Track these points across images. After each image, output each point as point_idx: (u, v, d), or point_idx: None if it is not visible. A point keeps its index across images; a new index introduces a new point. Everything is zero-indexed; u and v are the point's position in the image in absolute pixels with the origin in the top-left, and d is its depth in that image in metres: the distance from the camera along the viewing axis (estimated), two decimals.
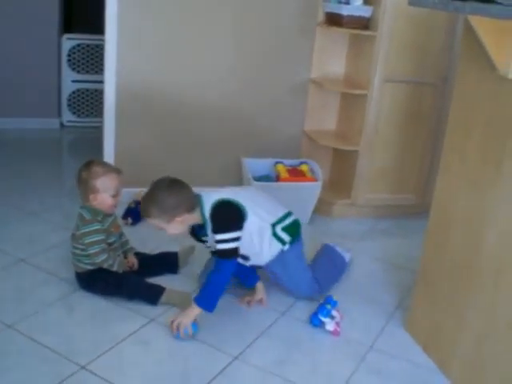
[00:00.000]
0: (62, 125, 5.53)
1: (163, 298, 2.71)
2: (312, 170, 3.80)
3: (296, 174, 3.72)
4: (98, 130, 4.95)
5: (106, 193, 2.73)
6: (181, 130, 3.83)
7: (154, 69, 3.69)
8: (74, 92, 5.50)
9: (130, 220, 3.51)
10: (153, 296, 2.72)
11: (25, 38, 5.17)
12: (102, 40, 5.13)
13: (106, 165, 2.86)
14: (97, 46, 5.40)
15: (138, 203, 3.56)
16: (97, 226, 2.73)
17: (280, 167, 3.75)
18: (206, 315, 2.57)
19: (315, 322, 2.67)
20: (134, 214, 3.53)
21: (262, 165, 3.84)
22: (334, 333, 2.63)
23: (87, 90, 5.53)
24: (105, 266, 2.73)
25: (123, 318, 2.64)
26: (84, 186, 2.76)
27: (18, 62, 5.21)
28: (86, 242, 2.71)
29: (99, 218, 2.76)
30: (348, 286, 3.10)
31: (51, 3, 5.18)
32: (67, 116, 5.53)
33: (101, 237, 2.73)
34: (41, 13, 5.15)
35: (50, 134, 5.33)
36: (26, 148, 4.91)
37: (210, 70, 3.77)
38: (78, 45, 5.40)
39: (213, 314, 2.57)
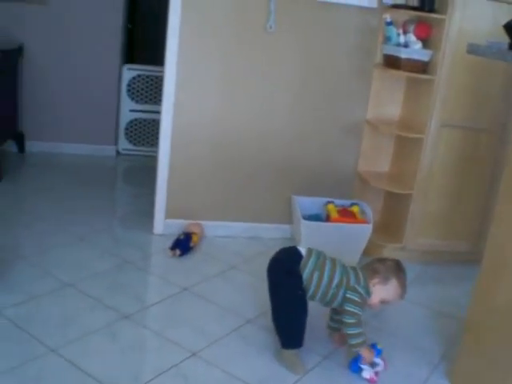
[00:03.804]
0: (117, 152, 5.63)
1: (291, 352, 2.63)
2: (363, 212, 3.76)
3: (346, 214, 3.69)
4: (153, 159, 5.04)
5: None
6: (233, 165, 3.84)
7: (211, 103, 3.73)
8: (131, 121, 5.60)
9: (177, 251, 3.51)
10: (288, 342, 2.64)
11: (88, 67, 5.32)
12: (161, 71, 5.28)
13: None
14: (156, 77, 5.50)
15: (187, 235, 3.60)
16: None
17: (330, 207, 3.73)
18: (247, 352, 2.55)
19: (354, 368, 2.61)
20: (183, 245, 3.54)
21: (312, 203, 3.82)
22: (371, 381, 2.57)
23: (144, 120, 5.63)
24: None
25: (165, 350, 2.63)
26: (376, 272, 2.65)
27: (80, 89, 5.36)
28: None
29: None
30: (392, 332, 3.03)
31: (115, 34, 5.34)
32: (123, 144, 5.64)
33: None
34: (105, 43, 5.31)
35: (106, 161, 5.43)
36: (81, 173, 5.01)
37: (266, 106, 3.79)
38: (138, 75, 5.51)
39: (255, 353, 2.59)
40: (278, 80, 3.77)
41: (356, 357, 2.62)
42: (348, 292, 2.57)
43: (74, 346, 2.58)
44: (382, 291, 2.60)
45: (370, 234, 3.67)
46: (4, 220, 3.89)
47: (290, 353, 2.61)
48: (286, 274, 2.64)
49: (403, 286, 2.64)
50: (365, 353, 2.56)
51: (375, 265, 2.66)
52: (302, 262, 2.61)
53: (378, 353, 2.63)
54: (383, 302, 2.64)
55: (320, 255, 2.67)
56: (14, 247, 3.45)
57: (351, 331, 2.55)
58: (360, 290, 2.57)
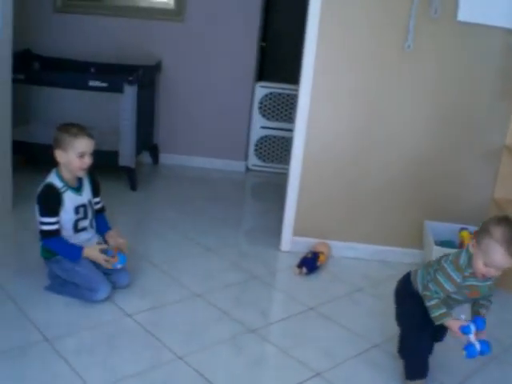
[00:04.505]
0: (247, 168, 5.71)
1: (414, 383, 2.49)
2: None
3: None
4: (281, 176, 5.07)
5: None
6: (364, 185, 3.78)
7: (343, 123, 3.69)
8: (261, 138, 5.68)
9: (304, 270, 3.49)
10: (410, 372, 2.51)
11: (223, 83, 5.47)
12: (292, 90, 5.33)
13: None
14: (287, 95, 5.55)
15: (314, 254, 3.58)
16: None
17: (465, 234, 3.58)
18: (372, 377, 2.48)
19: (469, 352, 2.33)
20: (310, 264, 3.52)
21: (445, 229, 3.68)
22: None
23: (274, 137, 5.68)
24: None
25: (289, 368, 2.61)
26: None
27: (213, 105, 5.52)
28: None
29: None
30: None
31: (250, 52, 5.44)
32: (253, 160, 5.72)
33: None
34: (239, 60, 5.44)
35: (235, 176, 5.53)
36: (211, 187, 5.13)
37: (398, 127, 3.70)
38: (271, 93, 5.58)
39: (380, 378, 2.48)
40: (412, 101, 3.68)
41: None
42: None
43: (201, 355, 2.62)
44: (479, 252, 2.28)
45: None
46: (138, 228, 4.06)
47: None
48: (400, 299, 2.60)
49: (503, 240, 2.21)
50: (449, 324, 2.34)
51: None
52: (412, 279, 2.54)
53: (479, 326, 2.35)
54: (489, 266, 2.26)
55: (427, 264, 2.55)
56: (146, 255, 3.56)
57: (427, 304, 2.37)
58: (446, 265, 2.37)
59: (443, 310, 2.35)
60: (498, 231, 2.23)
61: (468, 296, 2.41)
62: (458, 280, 2.34)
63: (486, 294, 2.43)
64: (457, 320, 2.33)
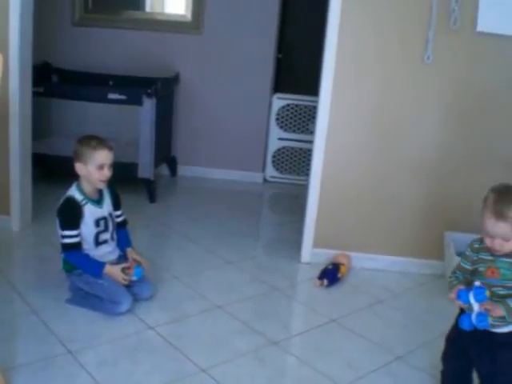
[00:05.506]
0: (264, 179, 5.71)
1: None
2: None
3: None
4: (299, 187, 5.08)
5: None
6: (383, 197, 3.77)
7: (363, 135, 3.68)
8: (278, 149, 5.68)
9: (325, 281, 3.47)
10: None
11: (240, 95, 5.50)
12: (310, 101, 5.34)
13: None
14: (305, 106, 5.56)
15: (334, 265, 3.56)
16: None
17: None
18: None
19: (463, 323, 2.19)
20: (331, 276, 3.50)
21: (466, 240, 3.59)
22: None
23: (292, 148, 5.68)
24: None
25: (312, 380, 2.58)
26: None
27: (231, 117, 5.54)
28: None
29: None
30: None
31: (266, 63, 5.48)
32: (270, 171, 5.72)
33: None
34: (256, 72, 5.47)
35: (253, 188, 5.53)
36: (229, 199, 5.13)
37: (419, 139, 3.68)
38: (288, 104, 5.59)
39: None
40: (433, 113, 3.65)
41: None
42: None
43: (224, 367, 2.61)
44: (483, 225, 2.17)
45: None
46: (157, 240, 4.07)
47: None
48: None
49: (489, 205, 2.13)
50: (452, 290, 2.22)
51: None
52: None
53: (476, 295, 2.14)
54: (486, 235, 2.15)
55: None
56: (167, 267, 3.57)
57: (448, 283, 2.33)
58: None
59: (456, 282, 2.26)
60: (487, 198, 2.17)
61: (486, 275, 2.19)
62: (467, 253, 2.29)
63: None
64: (462, 286, 2.21)
